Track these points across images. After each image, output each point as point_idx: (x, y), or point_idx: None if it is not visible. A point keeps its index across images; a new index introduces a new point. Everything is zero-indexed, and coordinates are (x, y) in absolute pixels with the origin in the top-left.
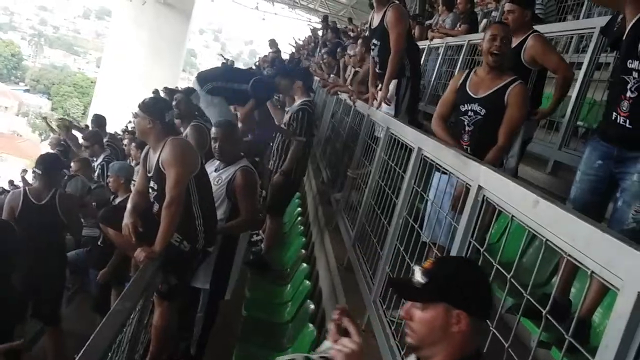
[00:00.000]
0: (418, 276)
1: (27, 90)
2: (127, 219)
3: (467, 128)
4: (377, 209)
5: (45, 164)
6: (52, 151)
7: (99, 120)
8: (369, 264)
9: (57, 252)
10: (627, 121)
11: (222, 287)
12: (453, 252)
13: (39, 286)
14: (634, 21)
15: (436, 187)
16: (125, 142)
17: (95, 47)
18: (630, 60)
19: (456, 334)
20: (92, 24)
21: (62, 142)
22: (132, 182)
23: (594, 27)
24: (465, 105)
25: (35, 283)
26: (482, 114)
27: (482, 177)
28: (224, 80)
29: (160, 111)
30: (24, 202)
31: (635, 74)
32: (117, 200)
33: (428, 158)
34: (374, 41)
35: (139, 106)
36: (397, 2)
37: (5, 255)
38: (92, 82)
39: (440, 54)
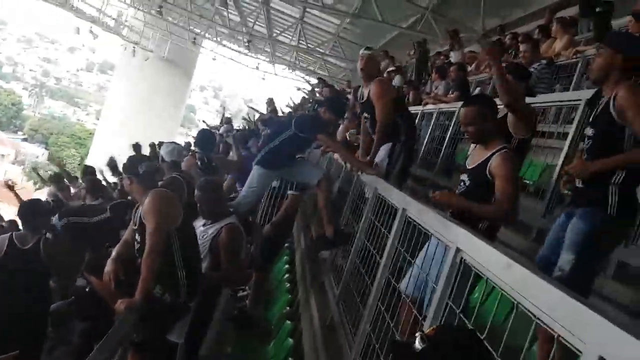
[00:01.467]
0: (418, 342)
1: (24, 139)
2: (108, 267)
3: None
4: (361, 268)
5: (22, 210)
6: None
7: (89, 171)
8: (352, 323)
9: (40, 299)
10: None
11: (198, 341)
12: (430, 313)
13: (18, 332)
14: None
15: (425, 250)
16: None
17: (96, 100)
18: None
19: None
20: (94, 77)
21: (56, 194)
22: None
23: (580, 99)
24: (461, 175)
25: (15, 328)
26: (467, 184)
27: (461, 239)
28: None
29: (133, 167)
30: (8, 247)
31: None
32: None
33: (412, 219)
34: (365, 115)
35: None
36: (382, 76)
37: None
38: (90, 134)
39: (433, 120)
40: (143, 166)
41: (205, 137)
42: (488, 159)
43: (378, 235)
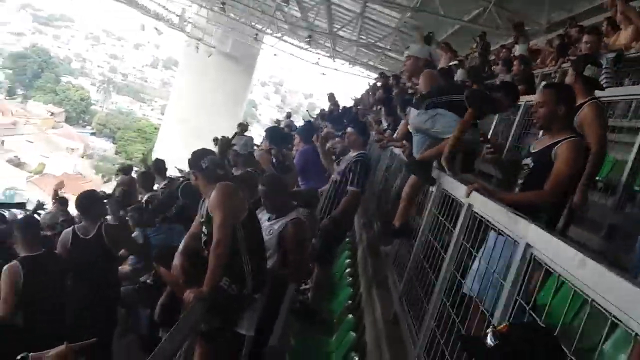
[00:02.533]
0: (489, 338)
1: (93, 134)
2: (176, 260)
3: (519, 181)
4: (425, 263)
5: (79, 202)
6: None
7: (158, 164)
8: (415, 318)
9: (109, 286)
10: None
11: (267, 334)
12: (498, 310)
13: (92, 319)
14: None
15: (492, 247)
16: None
17: (161, 95)
18: None
19: None
20: (159, 73)
21: (123, 187)
22: None
23: None
24: (525, 159)
25: (88, 316)
26: (530, 167)
27: (531, 235)
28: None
29: (197, 162)
30: (73, 239)
31: None
32: None
33: (478, 214)
34: None
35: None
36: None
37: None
38: (155, 129)
39: (497, 114)
40: (206, 160)
41: (278, 133)
42: (555, 144)
43: (442, 231)
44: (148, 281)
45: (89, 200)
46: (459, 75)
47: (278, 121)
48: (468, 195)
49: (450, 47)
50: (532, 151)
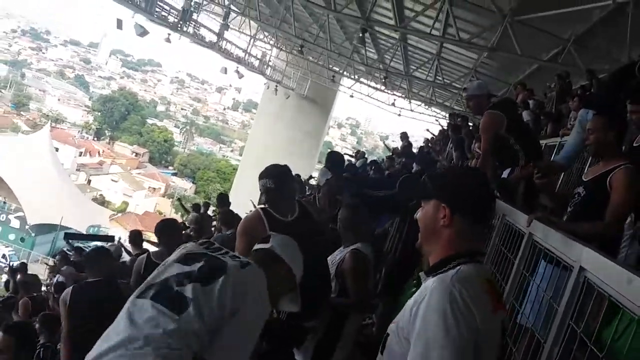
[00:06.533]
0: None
1: (174, 174)
2: None
3: (569, 209)
4: None
5: (159, 229)
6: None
7: (222, 199)
8: None
9: None
10: None
11: None
12: (550, 337)
13: None
14: None
15: (541, 274)
16: None
17: (240, 137)
18: None
19: (444, 228)
20: (239, 115)
21: (196, 222)
22: None
23: None
24: (577, 188)
25: None
26: (582, 195)
27: (584, 257)
28: None
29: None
30: (146, 264)
31: None
32: None
33: (538, 243)
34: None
35: None
36: (491, 109)
37: None
38: (234, 169)
39: None
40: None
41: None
42: (608, 173)
43: (505, 262)
44: None
45: (168, 227)
46: (525, 115)
47: (351, 163)
48: (529, 224)
49: (525, 87)
50: (585, 180)
